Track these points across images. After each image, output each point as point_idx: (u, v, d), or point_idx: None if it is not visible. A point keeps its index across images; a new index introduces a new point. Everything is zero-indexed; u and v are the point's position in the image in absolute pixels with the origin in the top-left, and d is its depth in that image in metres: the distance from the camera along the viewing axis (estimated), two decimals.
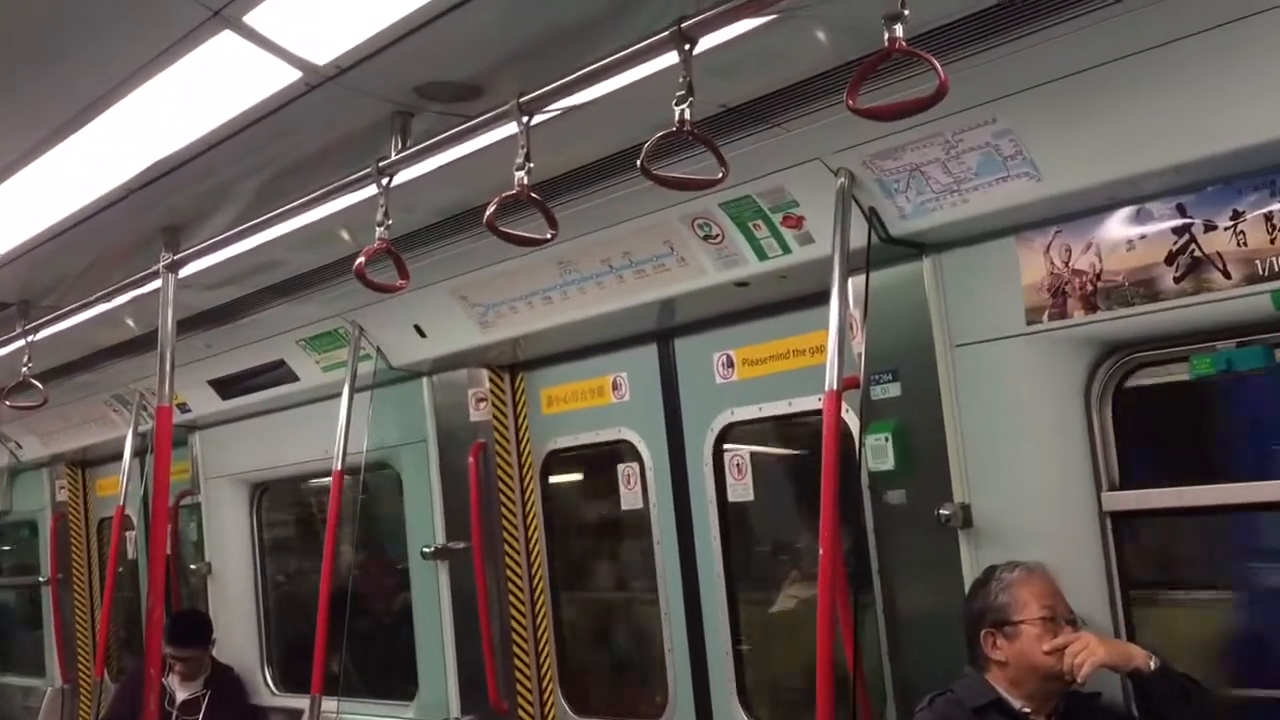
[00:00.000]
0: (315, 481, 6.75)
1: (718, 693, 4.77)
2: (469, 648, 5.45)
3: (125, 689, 6.57)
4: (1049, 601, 3.30)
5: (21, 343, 5.42)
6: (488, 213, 2.98)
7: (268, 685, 6.85)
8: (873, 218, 3.65)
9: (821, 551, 3.37)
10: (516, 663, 5.49)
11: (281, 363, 6.04)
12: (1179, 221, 3.19)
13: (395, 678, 6.10)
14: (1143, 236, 3.27)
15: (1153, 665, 3.14)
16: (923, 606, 3.88)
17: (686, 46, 2.59)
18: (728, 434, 4.75)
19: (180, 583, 7.36)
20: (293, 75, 3.06)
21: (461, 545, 5.47)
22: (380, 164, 3.40)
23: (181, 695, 6.38)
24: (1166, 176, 3.13)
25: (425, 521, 5.65)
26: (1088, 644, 3.17)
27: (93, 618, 8.67)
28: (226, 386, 6.51)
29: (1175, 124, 3.00)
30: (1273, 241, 3.04)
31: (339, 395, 5.39)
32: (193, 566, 7.18)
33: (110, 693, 7.17)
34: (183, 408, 6.72)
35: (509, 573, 5.52)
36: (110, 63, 3.02)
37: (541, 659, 5.53)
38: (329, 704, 5.39)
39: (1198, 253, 3.16)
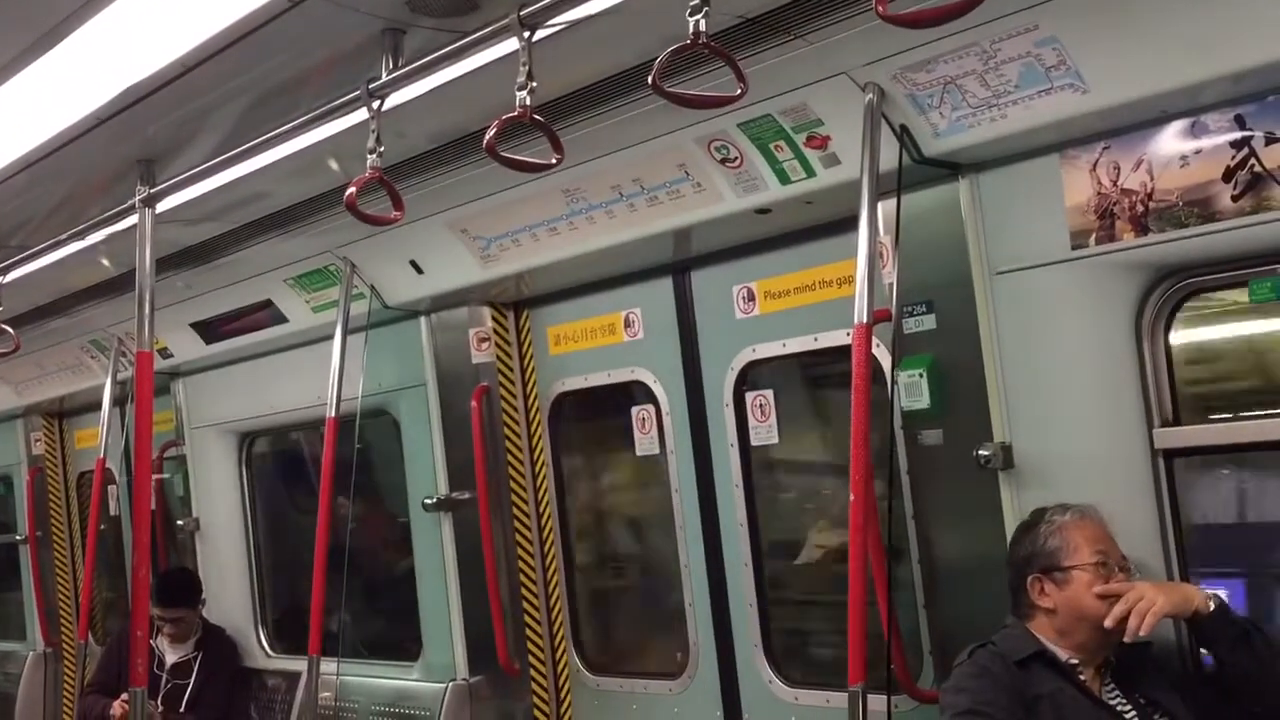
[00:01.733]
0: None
1: (742, 648, 4.81)
2: (476, 605, 5.49)
3: (112, 652, 6.66)
4: (1102, 547, 3.32)
5: None
6: (487, 137, 2.97)
7: (262, 647, 6.91)
8: (904, 136, 3.63)
9: (852, 497, 3.39)
10: (527, 619, 5.54)
11: (269, 303, 6.06)
12: (1237, 134, 3.17)
13: (396, 638, 6.16)
14: (1198, 151, 3.24)
15: (1211, 606, 3.16)
16: (961, 554, 3.90)
17: None
18: (749, 373, 4.75)
19: (167, 540, 7.42)
20: None
21: (466, 495, 5.50)
22: (370, 85, 3.39)
23: (171, 658, 6.47)
24: (1224, 85, 3.10)
25: (426, 471, 5.68)
26: (1144, 595, 3.15)
27: (75, 578, 8.76)
28: (210, 329, 6.53)
29: (1234, 27, 2.96)
30: None
31: (331, 337, 5.41)
32: (180, 522, 7.22)
33: (96, 657, 7.24)
34: (164, 353, 6.76)
35: (517, 524, 5.55)
36: None
37: (553, 616, 5.58)
38: (328, 665, 5.45)
39: (1258, 168, 3.14)
